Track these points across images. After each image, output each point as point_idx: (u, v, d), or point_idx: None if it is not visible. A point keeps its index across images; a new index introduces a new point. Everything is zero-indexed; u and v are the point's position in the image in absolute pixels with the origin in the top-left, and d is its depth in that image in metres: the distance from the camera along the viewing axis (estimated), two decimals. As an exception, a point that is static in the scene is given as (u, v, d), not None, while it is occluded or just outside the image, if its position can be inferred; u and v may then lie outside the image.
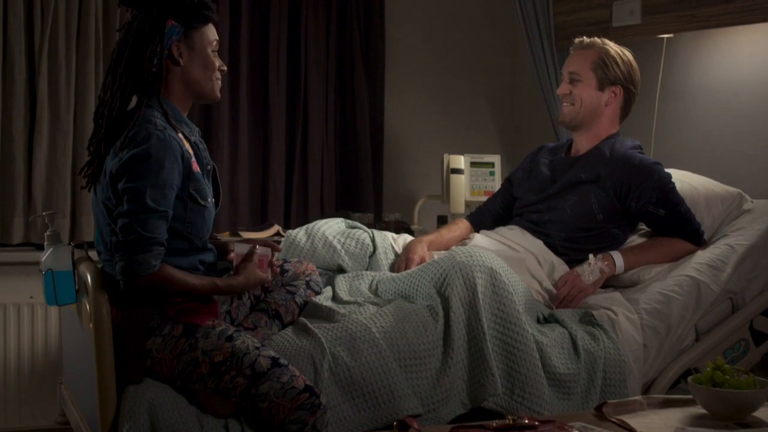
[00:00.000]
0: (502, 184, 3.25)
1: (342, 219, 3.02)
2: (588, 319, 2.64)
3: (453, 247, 2.83)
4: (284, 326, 2.46)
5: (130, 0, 2.27)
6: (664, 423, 2.03)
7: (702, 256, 2.84)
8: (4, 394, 3.44)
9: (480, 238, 2.96)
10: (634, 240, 2.98)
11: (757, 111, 3.37)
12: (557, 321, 2.63)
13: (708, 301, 2.76)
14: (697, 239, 2.90)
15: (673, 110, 3.66)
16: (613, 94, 2.94)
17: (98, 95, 2.31)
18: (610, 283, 2.86)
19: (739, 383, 2.01)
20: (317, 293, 2.62)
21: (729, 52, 3.47)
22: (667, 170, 2.91)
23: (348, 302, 2.57)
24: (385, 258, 2.91)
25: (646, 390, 2.64)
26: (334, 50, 4.03)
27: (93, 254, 2.39)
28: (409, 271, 2.68)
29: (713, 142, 3.53)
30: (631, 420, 2.05)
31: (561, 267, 2.86)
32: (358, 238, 2.90)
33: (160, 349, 2.16)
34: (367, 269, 2.87)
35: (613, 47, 2.94)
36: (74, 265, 2.31)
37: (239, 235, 3.63)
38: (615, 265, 2.82)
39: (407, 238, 3.09)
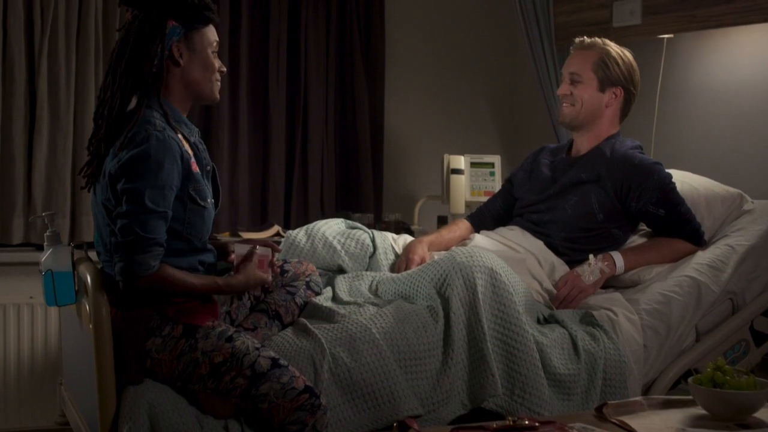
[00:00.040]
0: (503, 185, 3.25)
1: (342, 219, 3.01)
2: (588, 320, 2.64)
3: (453, 248, 2.82)
4: (284, 327, 2.46)
5: (130, 0, 2.26)
6: (664, 424, 2.03)
7: (702, 256, 2.84)
8: (3, 394, 3.43)
9: (480, 239, 2.96)
10: (635, 240, 2.98)
11: (758, 111, 3.37)
12: (557, 321, 2.63)
13: (708, 301, 2.76)
14: (697, 239, 2.90)
15: (673, 110, 3.66)
16: (613, 95, 2.94)
17: (98, 95, 2.31)
18: (611, 283, 2.86)
19: (739, 384, 2.01)
20: (317, 294, 2.62)
21: (729, 52, 3.47)
22: (667, 170, 2.91)
23: (348, 303, 2.57)
24: (385, 258, 2.91)
25: (646, 390, 2.64)
26: (334, 50, 4.03)
27: (93, 255, 2.39)
28: (409, 271, 2.68)
29: (713, 142, 3.53)
30: (632, 421, 2.05)
31: (561, 267, 2.85)
32: (358, 239, 2.90)
33: (159, 350, 2.15)
34: (367, 270, 2.87)
35: (613, 48, 2.93)
36: (74, 265, 2.31)
37: (239, 236, 3.63)
38: (615, 265, 2.82)
39: (407, 238, 3.08)
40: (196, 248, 2.29)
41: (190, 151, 2.27)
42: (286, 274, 2.58)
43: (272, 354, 2.18)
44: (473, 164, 3.85)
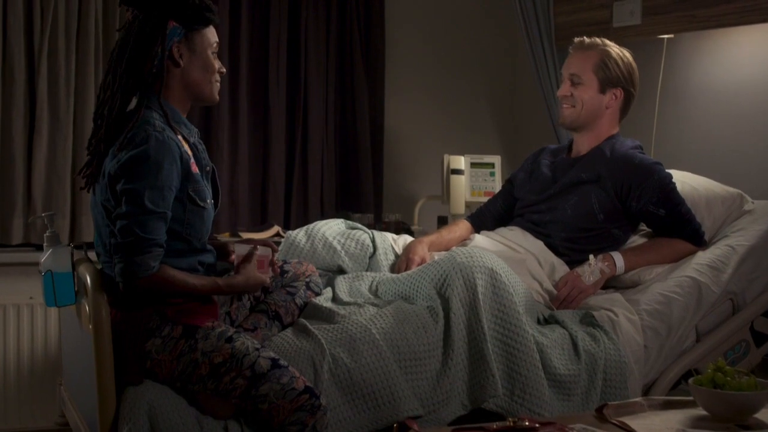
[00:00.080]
0: (503, 185, 3.25)
1: (342, 220, 3.01)
2: (588, 320, 2.64)
3: (453, 248, 2.82)
4: (284, 327, 2.46)
5: (131, 0, 2.26)
6: (665, 425, 2.02)
7: (702, 256, 2.84)
8: (3, 394, 3.43)
9: (480, 239, 2.96)
10: (635, 240, 2.98)
11: (758, 111, 3.36)
12: (557, 322, 2.63)
13: (709, 302, 2.75)
14: (697, 240, 2.90)
15: (673, 111, 3.66)
16: (614, 96, 2.94)
17: (97, 95, 2.31)
18: (611, 283, 2.86)
19: (740, 385, 2.01)
20: (317, 294, 2.61)
21: (729, 52, 3.47)
22: (667, 171, 2.91)
23: (348, 303, 2.57)
24: (385, 259, 2.90)
25: (646, 391, 2.64)
26: (334, 50, 4.03)
27: (92, 255, 2.39)
28: (409, 271, 2.68)
29: (714, 142, 3.53)
30: (632, 421, 2.04)
31: (561, 268, 2.85)
32: (358, 239, 2.90)
33: (159, 351, 2.15)
34: (367, 270, 2.87)
35: (614, 49, 2.93)
36: (74, 266, 2.31)
37: (239, 236, 3.63)
38: (615, 265, 2.82)
39: (407, 238, 3.08)
40: (195, 249, 2.28)
41: (189, 152, 2.27)
42: (286, 275, 2.58)
43: (272, 354, 2.18)
44: (473, 164, 3.85)
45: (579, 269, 2.80)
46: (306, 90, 3.96)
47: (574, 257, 2.88)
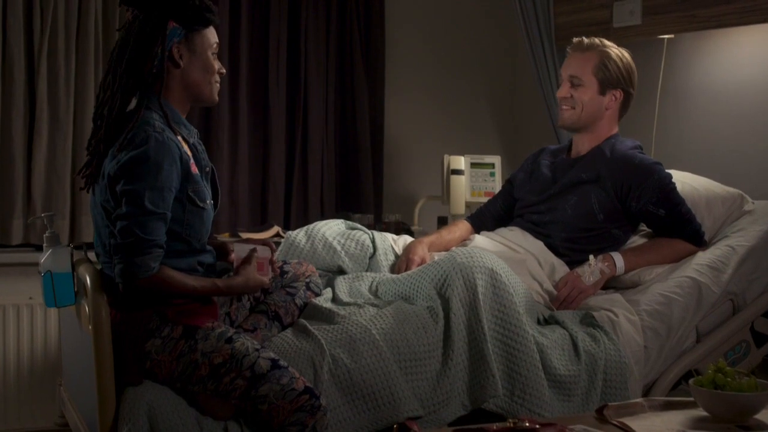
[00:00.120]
0: (503, 186, 3.24)
1: (342, 220, 3.01)
2: (588, 321, 2.64)
3: (453, 248, 2.82)
4: (284, 328, 2.45)
5: (131, 0, 2.26)
6: (665, 425, 2.02)
7: (703, 257, 2.83)
8: (3, 395, 3.43)
9: (480, 239, 2.96)
10: (636, 241, 2.98)
11: (758, 111, 3.36)
12: (557, 322, 2.63)
13: (709, 302, 2.75)
14: (697, 240, 2.90)
15: (673, 111, 3.66)
16: (613, 97, 2.93)
17: (97, 95, 2.30)
18: (611, 284, 2.86)
19: (740, 386, 2.00)
20: (317, 295, 2.61)
21: (730, 52, 3.47)
22: (667, 171, 2.91)
23: (348, 304, 2.56)
24: (385, 259, 2.90)
25: (647, 392, 2.64)
26: (334, 50, 4.03)
27: (92, 256, 2.39)
28: (409, 272, 2.68)
29: (714, 142, 3.53)
30: (632, 422, 2.04)
31: (561, 268, 2.85)
32: (358, 240, 2.90)
33: (159, 351, 2.15)
34: (367, 270, 2.86)
35: (613, 50, 2.92)
36: (73, 266, 2.30)
37: (239, 236, 3.62)
38: (615, 266, 2.82)
39: (407, 239, 3.08)
40: (195, 249, 2.28)
41: (189, 153, 2.26)
42: (285, 275, 2.57)
43: (272, 355, 2.18)
44: (473, 165, 3.85)
45: (579, 269, 2.80)
46: (306, 90, 3.96)
47: (574, 257, 2.87)
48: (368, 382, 2.29)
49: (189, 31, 2.26)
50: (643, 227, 3.02)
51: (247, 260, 2.35)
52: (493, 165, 3.88)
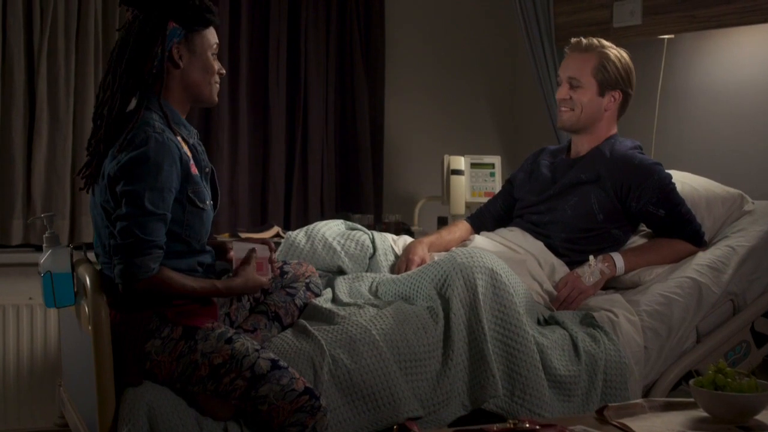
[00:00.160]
0: (503, 186, 3.24)
1: (342, 221, 3.01)
2: (588, 321, 2.64)
3: (453, 248, 2.82)
4: (284, 328, 2.45)
5: (131, 0, 2.26)
6: (665, 426, 2.02)
7: (703, 257, 2.83)
8: (3, 395, 3.43)
9: (480, 240, 2.96)
10: (635, 241, 2.98)
11: (758, 112, 3.36)
12: (558, 323, 2.62)
13: (709, 302, 2.75)
14: (697, 240, 2.90)
15: (673, 111, 3.66)
16: (612, 99, 2.93)
17: (97, 95, 2.30)
18: (611, 284, 2.86)
19: (741, 386, 2.00)
20: (317, 295, 2.61)
21: (730, 52, 3.47)
22: (667, 171, 2.90)
23: (348, 304, 2.56)
24: (385, 259, 2.90)
25: (647, 392, 2.64)
26: (334, 50, 4.03)
27: (92, 256, 2.39)
28: (409, 272, 2.68)
29: (714, 142, 3.52)
30: (633, 423, 2.04)
31: (561, 268, 2.85)
32: (357, 240, 2.90)
33: (159, 352, 2.15)
34: (367, 271, 2.86)
35: (612, 50, 2.91)
36: (73, 267, 2.30)
37: (239, 237, 3.62)
38: (615, 266, 2.82)
39: (407, 239, 3.08)
40: (194, 250, 2.28)
41: (189, 153, 2.26)
42: (285, 276, 2.57)
43: (272, 356, 2.18)
44: (473, 165, 3.85)
45: (579, 270, 2.80)
46: (306, 90, 3.95)
47: (574, 258, 2.87)
48: (368, 383, 2.28)
49: (189, 32, 2.26)
50: (643, 227, 3.02)
51: (246, 261, 2.35)
52: (493, 165, 3.87)
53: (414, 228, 3.90)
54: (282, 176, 3.93)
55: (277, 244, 2.76)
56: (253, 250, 2.37)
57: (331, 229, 2.91)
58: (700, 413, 2.09)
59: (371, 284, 2.70)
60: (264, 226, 3.83)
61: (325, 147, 4.01)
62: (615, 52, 2.92)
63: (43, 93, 3.45)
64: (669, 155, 3.50)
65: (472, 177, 3.83)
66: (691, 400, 2.13)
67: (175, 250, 2.21)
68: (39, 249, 3.06)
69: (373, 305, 2.54)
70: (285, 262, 2.63)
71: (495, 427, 1.98)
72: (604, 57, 2.89)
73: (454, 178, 3.77)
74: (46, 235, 2.37)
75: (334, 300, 2.62)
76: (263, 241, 2.45)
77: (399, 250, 2.97)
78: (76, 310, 2.35)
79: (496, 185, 3.78)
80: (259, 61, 3.88)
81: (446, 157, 3.83)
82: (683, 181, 3.05)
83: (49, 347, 3.47)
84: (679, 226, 2.88)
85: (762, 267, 2.87)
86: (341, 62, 4.05)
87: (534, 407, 2.39)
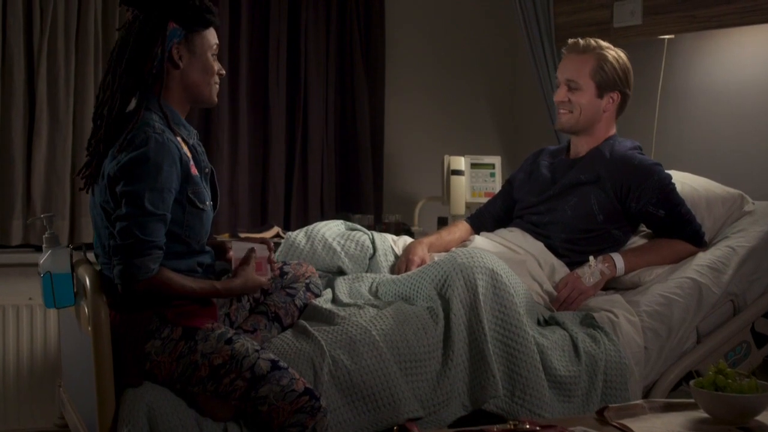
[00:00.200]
0: (503, 186, 3.24)
1: (342, 221, 3.01)
2: (589, 322, 2.64)
3: (453, 249, 2.82)
4: (284, 329, 2.45)
5: (131, 0, 2.25)
6: (666, 427, 2.02)
7: (703, 257, 2.83)
8: (3, 395, 3.43)
9: (480, 240, 2.96)
10: (635, 241, 2.97)
11: (759, 112, 3.36)
12: (558, 323, 2.62)
13: (709, 303, 2.75)
14: (697, 241, 2.89)
15: (674, 111, 3.66)
16: (611, 100, 2.92)
17: (96, 95, 2.30)
18: (611, 285, 2.86)
19: (741, 387, 2.00)
20: (317, 296, 2.61)
21: (730, 52, 3.46)
22: (667, 171, 2.90)
23: (348, 305, 2.56)
24: (385, 260, 2.90)
25: (647, 392, 2.63)
26: (334, 50, 4.03)
27: (91, 256, 2.38)
28: (409, 272, 2.68)
29: (714, 143, 3.52)
30: (633, 424, 2.04)
31: (561, 269, 2.85)
32: (357, 240, 2.90)
33: (159, 352, 2.15)
34: (367, 271, 2.86)
35: (610, 51, 2.90)
36: (73, 267, 2.30)
37: (239, 237, 3.62)
38: (615, 266, 2.81)
39: (407, 239, 3.08)
40: (194, 251, 2.28)
41: (188, 154, 2.26)
42: (285, 276, 2.57)
43: (272, 356, 2.18)
44: (473, 165, 3.85)
45: (579, 270, 2.80)
46: (306, 90, 3.95)
47: (574, 258, 2.87)
48: (368, 383, 2.28)
49: (189, 32, 2.26)
50: (643, 228, 3.02)
51: (245, 261, 2.34)
52: (493, 165, 3.87)
53: (414, 228, 3.89)
54: (282, 176, 3.93)
55: (277, 244, 2.76)
56: (252, 250, 2.36)
57: (331, 229, 2.91)
58: (701, 414, 2.09)
59: (371, 285, 2.70)
60: (264, 226, 3.83)
61: (325, 147, 4.01)
62: (613, 52, 2.91)
63: (42, 93, 3.45)
64: (669, 155, 3.50)
65: (472, 177, 3.83)
66: (692, 400, 2.12)
67: (174, 250, 2.21)
68: (39, 249, 3.06)
69: (373, 306, 2.54)
70: (285, 263, 2.63)
71: (495, 427, 1.98)
72: (602, 58, 2.89)
73: (454, 178, 3.77)
74: (46, 235, 2.37)
75: (334, 300, 2.62)
76: (262, 241, 2.45)
77: (399, 251, 2.97)
78: (75, 311, 2.35)
79: (496, 185, 3.78)
80: (259, 61, 3.88)
81: (446, 158, 3.83)
82: (683, 181, 3.05)
83: (49, 348, 3.47)
84: (679, 227, 2.88)
85: (762, 267, 2.87)
86: (341, 62, 4.05)
87: (534, 408, 2.38)
